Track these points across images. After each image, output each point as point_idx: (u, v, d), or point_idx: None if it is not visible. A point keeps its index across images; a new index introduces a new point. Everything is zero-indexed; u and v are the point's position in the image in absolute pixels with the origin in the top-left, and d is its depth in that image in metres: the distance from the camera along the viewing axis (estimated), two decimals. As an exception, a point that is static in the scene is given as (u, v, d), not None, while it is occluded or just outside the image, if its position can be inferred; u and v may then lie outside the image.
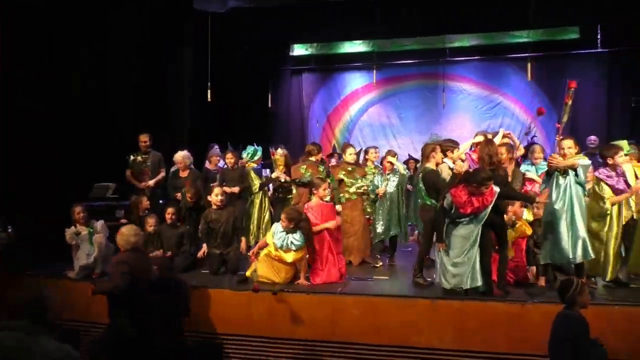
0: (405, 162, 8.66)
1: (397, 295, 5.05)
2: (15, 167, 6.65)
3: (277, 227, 5.53)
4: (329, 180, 6.18)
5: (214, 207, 6.06)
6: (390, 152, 6.86)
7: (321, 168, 6.61)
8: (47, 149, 7.01)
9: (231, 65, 10.32)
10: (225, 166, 7.56)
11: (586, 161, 5.08)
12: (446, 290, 4.94)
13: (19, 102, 6.88)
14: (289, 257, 5.39)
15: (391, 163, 6.60)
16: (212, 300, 5.20)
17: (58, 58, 7.36)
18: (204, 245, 6.10)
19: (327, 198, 5.89)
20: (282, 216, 5.53)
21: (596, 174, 5.18)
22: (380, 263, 6.45)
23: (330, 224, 5.59)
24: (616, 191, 5.02)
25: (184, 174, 7.18)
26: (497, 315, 4.66)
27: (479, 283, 4.78)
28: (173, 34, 9.17)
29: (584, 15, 9.95)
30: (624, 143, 5.83)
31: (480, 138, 5.97)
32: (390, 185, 6.56)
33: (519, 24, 10.44)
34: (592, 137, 8.36)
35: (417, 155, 9.24)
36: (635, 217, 5.36)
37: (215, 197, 6.07)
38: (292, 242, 5.41)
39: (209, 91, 9.31)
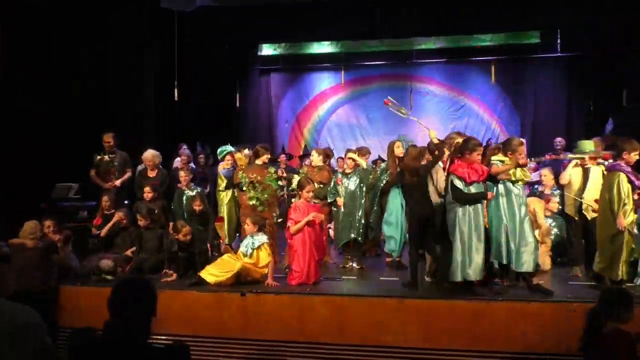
0: (374, 163, 8.73)
1: (365, 295, 5.10)
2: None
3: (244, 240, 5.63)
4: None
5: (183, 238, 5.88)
6: (350, 150, 6.70)
7: (272, 170, 6.47)
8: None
9: (199, 65, 10.22)
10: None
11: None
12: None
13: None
14: (262, 258, 5.42)
15: (353, 159, 6.41)
16: (180, 302, 5.15)
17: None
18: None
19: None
20: (247, 221, 5.56)
21: (617, 167, 5.07)
22: (350, 264, 6.35)
23: (310, 216, 5.47)
24: (635, 188, 5.08)
25: (152, 173, 7.07)
26: (463, 313, 4.75)
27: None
28: (139, 32, 9.04)
29: (544, 21, 10.27)
30: (589, 143, 6.05)
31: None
32: (350, 184, 6.35)
33: (483, 28, 10.72)
34: (559, 139, 8.59)
35: (385, 156, 9.38)
36: (589, 217, 5.61)
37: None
38: (253, 243, 5.47)
39: (176, 90, 9.20)
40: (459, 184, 4.90)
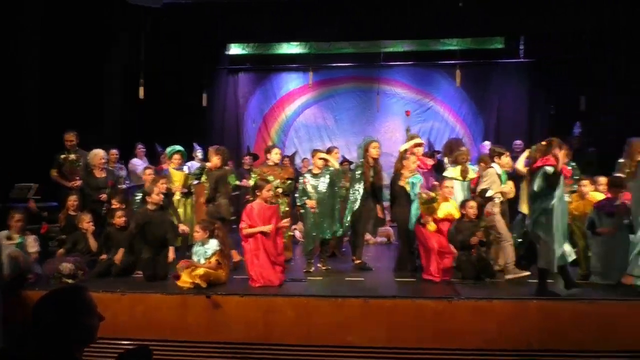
0: (340, 164, 8.77)
1: (330, 296, 5.12)
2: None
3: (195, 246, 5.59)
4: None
5: (152, 206, 5.89)
6: (318, 150, 6.63)
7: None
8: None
9: (165, 63, 10.06)
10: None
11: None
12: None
13: None
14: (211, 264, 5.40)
15: (325, 160, 6.35)
16: (144, 305, 5.07)
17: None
18: (120, 251, 5.85)
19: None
20: (196, 227, 5.53)
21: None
22: (313, 268, 6.30)
23: (266, 228, 5.49)
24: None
25: (100, 174, 6.89)
26: (426, 312, 4.83)
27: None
28: (105, 29, 8.84)
29: (508, 27, 10.52)
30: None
31: (418, 140, 6.31)
32: (320, 185, 6.29)
33: (449, 32, 10.92)
34: (518, 141, 8.85)
35: (351, 157, 9.45)
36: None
37: (157, 195, 5.87)
38: (205, 252, 5.44)
39: (141, 88, 9.03)
40: (550, 170, 4.94)
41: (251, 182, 6.37)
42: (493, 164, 6.05)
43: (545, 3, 9.14)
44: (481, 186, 5.93)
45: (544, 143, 5.17)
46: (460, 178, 6.20)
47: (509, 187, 6.13)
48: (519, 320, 4.70)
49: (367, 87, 11.96)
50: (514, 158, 7.64)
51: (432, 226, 5.75)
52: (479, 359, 4.67)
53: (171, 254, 5.81)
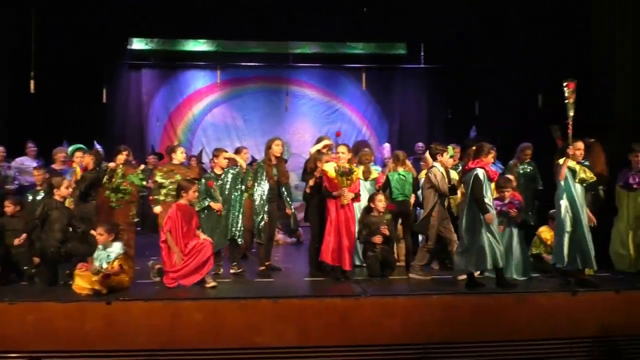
0: (249, 165, 8.69)
1: (239, 298, 5.07)
2: None
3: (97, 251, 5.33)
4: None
5: (59, 198, 5.57)
6: (220, 149, 6.44)
7: (139, 170, 6.32)
8: None
9: (60, 55, 9.39)
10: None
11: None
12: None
13: None
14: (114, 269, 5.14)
15: (229, 159, 6.24)
16: (36, 315, 4.69)
17: None
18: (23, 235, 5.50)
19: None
20: (99, 230, 5.27)
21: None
22: (222, 270, 6.19)
23: (177, 257, 5.37)
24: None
25: None
26: (334, 310, 4.93)
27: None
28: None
29: (409, 34, 11.03)
30: (448, 148, 6.62)
31: (327, 141, 6.39)
32: (224, 186, 6.18)
33: (355, 37, 11.25)
34: (420, 144, 9.29)
35: (260, 157, 9.39)
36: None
37: (65, 189, 5.58)
38: (108, 256, 5.21)
39: (32, 82, 8.36)
40: (481, 173, 5.24)
41: (156, 180, 6.13)
42: (435, 163, 6.04)
43: (444, 11, 9.67)
44: (426, 187, 5.99)
45: (474, 148, 5.47)
46: (362, 178, 6.37)
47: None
48: (422, 316, 4.94)
49: (276, 88, 11.97)
50: (417, 160, 8.08)
51: (346, 199, 5.71)
52: (385, 354, 4.84)
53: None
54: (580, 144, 5.49)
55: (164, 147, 10.75)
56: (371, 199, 6.01)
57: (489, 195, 5.34)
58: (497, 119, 9.78)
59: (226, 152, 6.44)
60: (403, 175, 6.35)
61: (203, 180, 6.20)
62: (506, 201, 5.90)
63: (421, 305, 4.98)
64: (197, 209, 5.86)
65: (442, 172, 5.94)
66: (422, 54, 11.85)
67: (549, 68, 8.34)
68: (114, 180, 6.08)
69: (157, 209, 6.03)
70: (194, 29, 10.78)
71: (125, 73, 11.65)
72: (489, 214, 5.25)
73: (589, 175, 5.45)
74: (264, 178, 6.21)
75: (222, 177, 6.23)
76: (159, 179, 6.12)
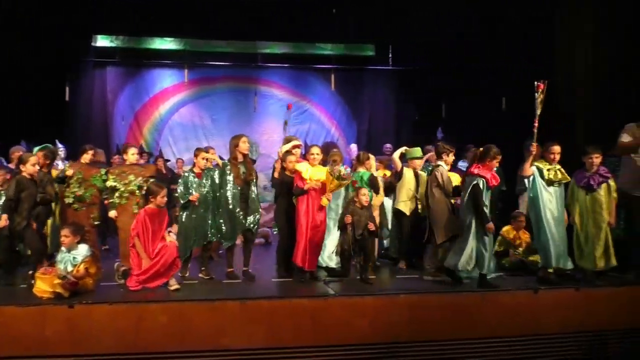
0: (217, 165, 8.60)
1: (206, 299, 5.01)
2: None
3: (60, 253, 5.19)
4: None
5: (28, 175, 5.43)
6: (202, 149, 6.37)
7: (102, 171, 6.09)
8: None
9: (22, 52, 9.09)
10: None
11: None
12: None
13: None
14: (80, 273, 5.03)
15: (208, 160, 6.15)
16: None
17: None
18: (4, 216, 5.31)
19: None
20: (63, 232, 5.15)
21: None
22: (188, 273, 6.06)
23: (146, 262, 5.32)
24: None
25: None
26: (303, 311, 4.92)
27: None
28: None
29: (378, 35, 11.13)
30: (417, 150, 6.70)
31: (296, 141, 6.36)
32: (203, 186, 6.03)
33: (324, 37, 11.28)
34: (388, 145, 9.38)
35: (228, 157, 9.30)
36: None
37: (32, 166, 5.43)
38: (74, 258, 5.10)
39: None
40: (481, 185, 5.32)
41: (108, 184, 5.95)
42: (440, 162, 6.02)
43: (412, 14, 9.80)
44: (433, 185, 5.93)
45: (480, 150, 5.59)
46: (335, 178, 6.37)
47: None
48: (390, 315, 4.98)
49: (245, 88, 11.90)
50: (381, 161, 8.15)
51: (325, 201, 5.76)
52: (354, 354, 4.86)
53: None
54: (556, 148, 5.66)
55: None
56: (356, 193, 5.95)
57: (487, 203, 5.44)
58: (463, 121, 9.96)
59: (204, 151, 6.32)
60: (361, 175, 6.37)
61: (180, 180, 6.12)
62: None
63: (389, 305, 5.02)
64: (182, 201, 5.94)
65: (447, 172, 5.98)
66: (390, 55, 11.97)
67: (513, 71, 8.54)
68: (71, 185, 5.96)
69: (112, 213, 5.89)
70: (160, 26, 10.63)
71: (90, 71, 11.38)
72: (490, 223, 5.37)
73: (559, 176, 5.62)
74: (232, 177, 5.97)
75: (201, 176, 6.11)
76: (111, 182, 5.95)
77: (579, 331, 5.15)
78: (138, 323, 4.71)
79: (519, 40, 8.69)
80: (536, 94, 5.48)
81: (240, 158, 6.03)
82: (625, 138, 5.67)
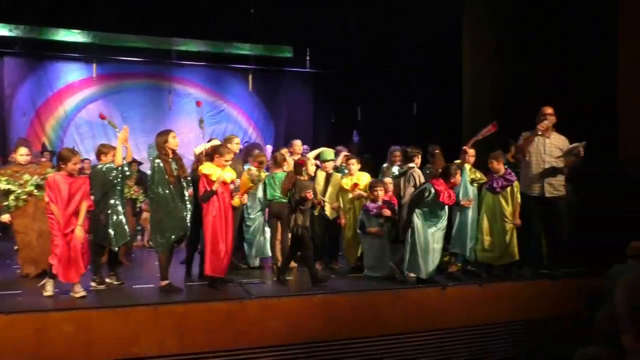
0: (129, 164, 8.23)
1: (115, 306, 4.77)
2: None
3: None
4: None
5: None
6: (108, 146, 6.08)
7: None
8: None
9: None
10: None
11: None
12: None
13: None
14: None
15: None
16: None
17: None
18: None
19: None
20: None
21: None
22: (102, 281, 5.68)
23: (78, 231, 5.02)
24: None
25: None
26: (218, 314, 4.83)
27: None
28: None
29: (295, 37, 11.21)
30: (329, 152, 6.80)
31: (216, 142, 6.23)
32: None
33: (241, 37, 11.17)
34: (305, 147, 9.45)
35: (140, 157, 8.96)
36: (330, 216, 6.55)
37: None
38: None
39: None
40: (429, 196, 5.50)
41: (1, 187, 5.54)
42: (411, 164, 6.33)
43: (329, 17, 9.96)
44: (409, 185, 6.21)
45: (440, 170, 5.92)
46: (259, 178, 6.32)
47: None
48: (305, 315, 5.01)
49: (159, 85, 11.53)
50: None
51: (236, 201, 5.89)
52: (271, 356, 4.84)
53: None
54: (473, 151, 6.31)
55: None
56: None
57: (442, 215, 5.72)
58: (377, 124, 10.26)
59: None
60: (279, 177, 6.34)
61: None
62: (379, 202, 6.19)
63: (304, 305, 5.05)
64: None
65: (421, 173, 6.34)
66: (307, 58, 12.08)
67: (424, 79, 8.94)
68: None
69: (5, 217, 5.52)
70: (66, 17, 10.01)
71: (-16, 61, 10.50)
72: (411, 224, 5.65)
73: (478, 175, 6.26)
74: (165, 176, 5.41)
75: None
76: (3, 185, 5.54)
77: (484, 324, 5.48)
78: (38, 334, 4.39)
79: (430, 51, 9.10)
80: (485, 128, 6.30)
81: (171, 155, 5.54)
82: (520, 142, 6.21)
